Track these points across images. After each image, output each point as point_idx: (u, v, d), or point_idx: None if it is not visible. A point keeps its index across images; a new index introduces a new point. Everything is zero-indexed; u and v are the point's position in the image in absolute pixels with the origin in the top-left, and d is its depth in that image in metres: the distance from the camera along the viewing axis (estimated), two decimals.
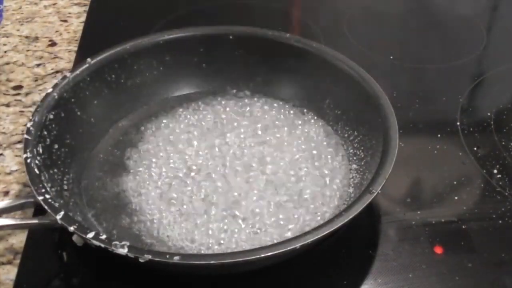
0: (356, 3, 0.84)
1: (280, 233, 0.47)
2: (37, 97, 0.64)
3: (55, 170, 0.48)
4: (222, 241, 0.46)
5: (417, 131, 0.60)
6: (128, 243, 0.38)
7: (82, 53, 0.70)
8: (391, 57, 0.71)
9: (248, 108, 0.59)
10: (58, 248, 0.47)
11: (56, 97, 0.51)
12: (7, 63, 0.70)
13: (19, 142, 0.58)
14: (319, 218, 0.48)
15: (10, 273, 0.46)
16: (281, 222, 0.47)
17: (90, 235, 0.39)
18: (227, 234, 0.46)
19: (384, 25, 0.81)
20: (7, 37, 0.75)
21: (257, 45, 0.59)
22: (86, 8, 0.81)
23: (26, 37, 0.75)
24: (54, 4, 0.83)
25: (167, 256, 0.38)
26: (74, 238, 0.45)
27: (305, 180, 0.51)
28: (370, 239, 0.49)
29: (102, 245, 0.39)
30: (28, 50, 0.73)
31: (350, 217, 0.41)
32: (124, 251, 0.38)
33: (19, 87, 0.66)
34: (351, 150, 0.53)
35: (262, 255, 0.38)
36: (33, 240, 0.48)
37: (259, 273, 0.45)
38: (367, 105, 0.52)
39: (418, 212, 0.51)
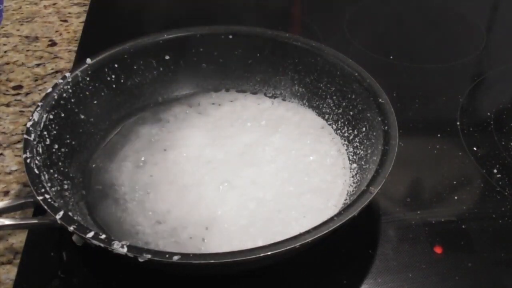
0: (356, 3, 0.84)
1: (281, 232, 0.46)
2: (37, 97, 0.65)
3: (55, 170, 0.48)
4: (218, 243, 0.46)
5: (417, 131, 0.60)
6: (127, 243, 0.38)
7: (82, 53, 0.70)
8: (391, 57, 0.71)
9: (248, 108, 0.59)
10: (58, 248, 0.47)
11: (56, 97, 0.51)
12: (7, 63, 0.70)
13: (19, 142, 0.58)
14: (319, 217, 0.48)
15: (10, 273, 0.46)
16: (281, 221, 0.47)
17: (90, 234, 0.39)
18: (224, 234, 0.46)
19: (384, 25, 0.81)
20: (7, 37, 0.75)
21: (256, 44, 0.59)
22: (86, 8, 0.81)
23: (26, 37, 0.75)
24: (54, 4, 0.83)
25: (167, 256, 0.38)
26: (74, 238, 0.45)
27: (305, 178, 0.51)
28: (370, 239, 0.49)
29: (102, 245, 0.39)
30: (28, 50, 0.73)
31: (350, 216, 0.41)
32: (123, 250, 0.38)
33: (19, 87, 0.66)
34: (351, 149, 0.53)
35: (262, 255, 0.38)
36: (33, 240, 0.48)
37: (259, 272, 0.45)
38: (367, 104, 0.52)
39: (418, 212, 0.51)
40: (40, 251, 0.47)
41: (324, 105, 0.58)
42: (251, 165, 0.52)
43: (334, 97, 0.56)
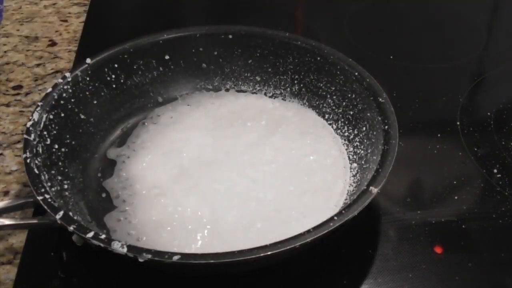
0: (356, 3, 0.84)
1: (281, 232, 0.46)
2: (37, 97, 0.65)
3: (55, 170, 0.48)
4: (218, 243, 0.46)
5: (417, 131, 0.60)
6: (127, 243, 0.38)
7: (82, 53, 0.70)
8: (391, 57, 0.71)
9: (248, 108, 0.59)
10: (58, 248, 0.47)
11: (56, 97, 0.51)
12: (7, 63, 0.70)
13: (19, 142, 0.58)
14: (319, 217, 0.48)
15: (10, 273, 0.46)
16: (281, 221, 0.47)
17: (90, 234, 0.39)
18: (225, 234, 0.46)
19: (384, 25, 0.81)
20: (7, 37, 0.75)
21: (256, 44, 0.59)
22: (86, 8, 0.81)
23: (26, 37, 0.75)
24: (54, 4, 0.83)
25: (166, 256, 0.38)
26: (74, 238, 0.45)
27: (305, 178, 0.51)
28: (370, 238, 0.49)
29: (102, 245, 0.38)
30: (28, 50, 0.73)
31: (350, 216, 0.41)
32: (123, 250, 0.38)
33: (19, 87, 0.66)
34: (351, 149, 0.53)
35: (262, 255, 0.38)
36: (33, 240, 0.48)
37: (259, 273, 0.45)
38: (367, 104, 0.52)
39: (418, 212, 0.51)
40: (40, 251, 0.47)
41: (324, 105, 0.58)
42: (251, 165, 0.52)
43: (334, 97, 0.57)
